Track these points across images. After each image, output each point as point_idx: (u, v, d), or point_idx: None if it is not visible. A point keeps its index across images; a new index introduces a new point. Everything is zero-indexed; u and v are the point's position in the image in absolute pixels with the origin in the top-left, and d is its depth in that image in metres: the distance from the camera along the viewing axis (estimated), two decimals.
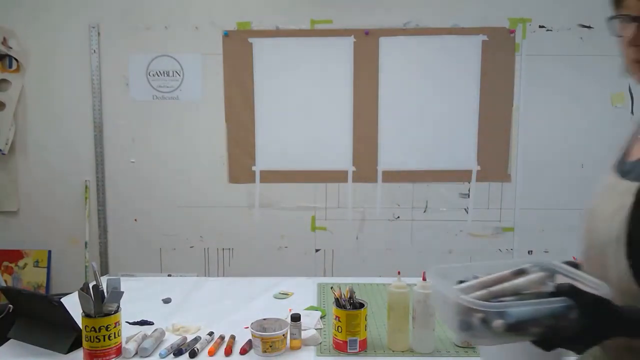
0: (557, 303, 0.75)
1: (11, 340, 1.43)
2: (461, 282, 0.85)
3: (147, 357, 1.33)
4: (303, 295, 1.81)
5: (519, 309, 0.75)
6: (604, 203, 0.88)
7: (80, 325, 1.28)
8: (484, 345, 0.79)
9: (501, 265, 0.88)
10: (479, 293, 0.80)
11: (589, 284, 0.80)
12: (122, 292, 1.30)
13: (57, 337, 1.37)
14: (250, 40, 2.80)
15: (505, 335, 0.75)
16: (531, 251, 2.89)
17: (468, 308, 0.76)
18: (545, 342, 0.74)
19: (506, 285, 0.83)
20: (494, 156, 2.87)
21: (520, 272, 0.86)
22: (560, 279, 0.86)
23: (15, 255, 2.95)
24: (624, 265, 0.78)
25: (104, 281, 1.31)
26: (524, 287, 0.83)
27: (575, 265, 0.94)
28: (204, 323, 1.54)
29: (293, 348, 1.38)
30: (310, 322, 1.52)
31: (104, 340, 1.26)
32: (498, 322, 0.74)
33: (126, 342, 1.34)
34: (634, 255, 0.78)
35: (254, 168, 2.88)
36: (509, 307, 0.75)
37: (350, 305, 1.36)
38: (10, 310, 1.51)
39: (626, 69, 0.86)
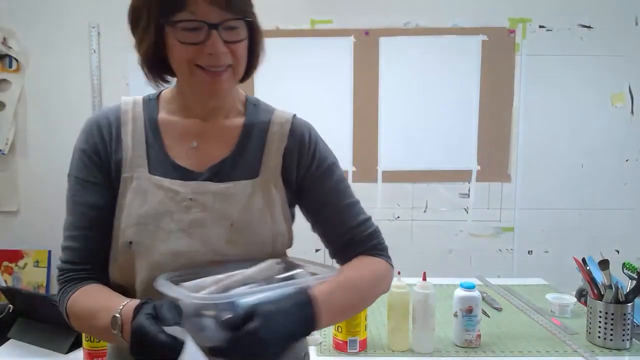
0: (288, 287, 0.72)
1: (11, 340, 1.43)
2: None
3: None
4: None
5: (251, 298, 0.69)
6: None
7: None
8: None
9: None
10: (210, 289, 0.73)
11: (320, 269, 0.83)
12: None
13: (57, 337, 1.37)
14: None
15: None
16: (531, 251, 2.89)
17: (195, 306, 0.68)
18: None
19: (236, 276, 0.76)
20: (494, 156, 2.87)
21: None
22: (294, 267, 0.85)
23: (15, 255, 2.95)
24: None
25: None
26: (255, 276, 0.78)
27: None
28: None
29: None
30: None
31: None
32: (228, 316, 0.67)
33: None
34: None
35: None
36: (240, 297, 0.69)
37: None
38: (10, 310, 1.51)
39: (183, 73, 0.83)
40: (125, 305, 0.74)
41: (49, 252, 2.95)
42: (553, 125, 2.86)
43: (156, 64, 0.86)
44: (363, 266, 0.92)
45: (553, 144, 2.87)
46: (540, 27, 2.81)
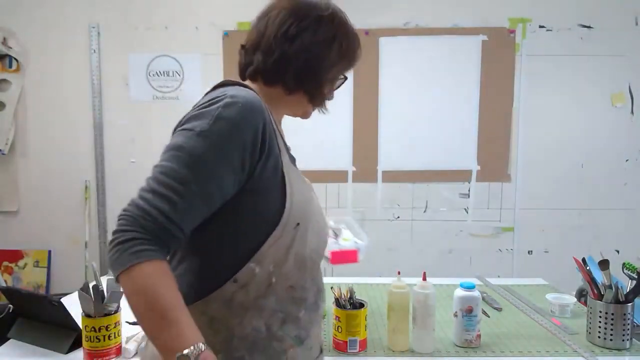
0: None
1: (11, 340, 1.43)
2: None
3: None
4: None
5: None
6: None
7: (80, 325, 1.28)
8: None
9: None
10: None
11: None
12: (122, 292, 1.30)
13: (57, 337, 1.37)
14: None
15: None
16: (531, 251, 2.89)
17: None
18: None
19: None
20: (494, 156, 2.87)
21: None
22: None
23: (15, 255, 2.95)
24: None
25: (104, 281, 1.31)
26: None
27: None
28: None
29: None
30: None
31: (104, 340, 1.26)
32: None
33: (126, 342, 1.34)
34: None
35: None
36: None
37: (350, 305, 1.36)
38: (10, 310, 1.51)
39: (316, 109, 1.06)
40: (203, 350, 0.72)
41: (49, 252, 2.95)
42: (553, 125, 2.86)
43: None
44: None
45: (553, 143, 2.87)
46: (540, 27, 2.81)
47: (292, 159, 0.98)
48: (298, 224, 0.90)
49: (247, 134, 0.82)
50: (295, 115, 1.06)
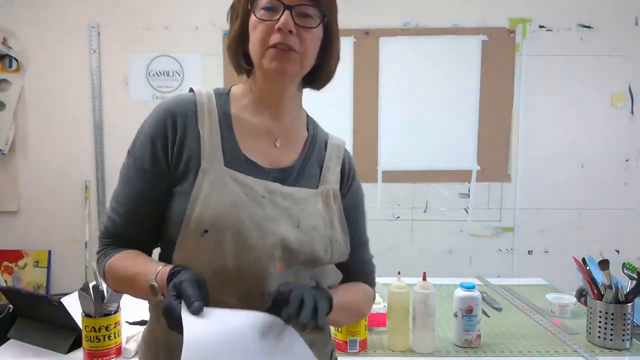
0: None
1: (11, 340, 1.43)
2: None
3: None
4: None
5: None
6: None
7: (80, 325, 1.28)
8: None
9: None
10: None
11: None
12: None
13: (57, 337, 1.37)
14: None
15: None
16: (531, 251, 2.89)
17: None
18: None
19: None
20: (494, 156, 2.87)
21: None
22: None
23: (15, 255, 2.95)
24: None
25: (103, 281, 1.31)
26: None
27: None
28: None
29: None
30: None
31: (104, 340, 1.26)
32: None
33: (126, 342, 1.34)
34: None
35: None
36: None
37: None
38: (10, 310, 1.51)
39: (258, 55, 0.87)
40: (159, 271, 0.80)
41: (49, 252, 2.95)
42: (553, 125, 2.86)
43: (238, 51, 0.92)
44: (365, 293, 1.04)
45: (553, 143, 2.87)
46: (540, 27, 2.81)
47: (242, 161, 0.88)
48: (206, 230, 0.82)
49: (153, 135, 0.89)
50: (265, 77, 0.90)
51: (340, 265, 1.01)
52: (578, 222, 2.90)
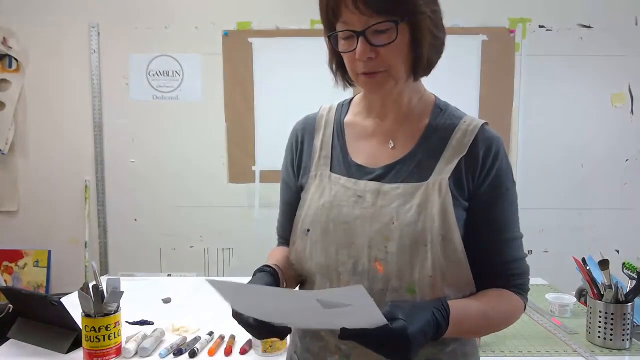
0: None
1: (11, 340, 1.43)
2: None
3: (147, 357, 1.33)
4: None
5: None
6: None
7: (80, 325, 1.28)
8: None
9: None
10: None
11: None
12: (122, 292, 1.30)
13: (57, 337, 1.37)
14: (250, 40, 2.80)
15: None
16: (531, 251, 2.89)
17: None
18: None
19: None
20: None
21: None
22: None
23: (15, 255, 2.95)
24: None
25: (104, 281, 1.31)
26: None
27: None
28: (204, 323, 1.54)
29: None
30: None
31: (104, 340, 1.26)
32: None
33: (126, 342, 1.34)
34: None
35: (254, 168, 2.88)
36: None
37: None
38: (10, 310, 1.51)
39: (354, 81, 0.91)
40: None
41: (49, 252, 2.95)
42: (553, 125, 2.86)
43: (339, 71, 0.95)
44: (504, 301, 0.90)
45: (553, 143, 2.87)
46: (540, 27, 2.81)
47: (348, 165, 0.93)
48: (308, 230, 0.92)
49: (286, 153, 1.05)
50: (366, 92, 0.96)
51: (478, 268, 0.88)
52: (578, 222, 2.90)
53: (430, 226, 0.84)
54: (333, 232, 0.89)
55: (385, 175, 0.90)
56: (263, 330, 0.78)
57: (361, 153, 0.94)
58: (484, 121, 0.95)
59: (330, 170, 0.94)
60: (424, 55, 0.87)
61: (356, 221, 0.88)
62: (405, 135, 0.93)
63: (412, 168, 0.89)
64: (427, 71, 0.93)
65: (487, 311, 0.86)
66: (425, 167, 0.89)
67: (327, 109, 1.03)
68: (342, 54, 0.88)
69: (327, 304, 0.68)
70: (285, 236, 1.04)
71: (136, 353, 1.33)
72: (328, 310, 0.68)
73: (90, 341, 1.26)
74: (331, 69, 0.96)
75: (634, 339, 1.40)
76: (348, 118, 0.99)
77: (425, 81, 1.00)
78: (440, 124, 0.93)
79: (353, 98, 1.03)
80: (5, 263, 2.95)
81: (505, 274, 0.91)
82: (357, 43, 0.82)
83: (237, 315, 0.79)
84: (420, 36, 0.85)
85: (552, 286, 1.97)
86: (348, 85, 0.96)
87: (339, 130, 0.98)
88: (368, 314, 0.69)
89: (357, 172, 0.92)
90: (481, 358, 1.33)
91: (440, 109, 0.97)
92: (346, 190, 0.90)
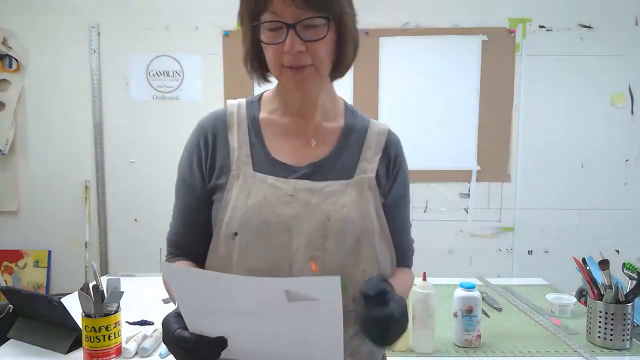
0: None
1: (11, 340, 1.43)
2: None
3: (147, 357, 1.33)
4: None
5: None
6: None
7: (80, 325, 1.28)
8: None
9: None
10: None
11: None
12: (122, 292, 1.30)
13: (57, 337, 1.37)
14: None
15: None
16: (531, 251, 2.89)
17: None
18: None
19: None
20: (494, 156, 2.87)
21: None
22: None
23: (15, 255, 2.95)
24: None
25: (104, 281, 1.31)
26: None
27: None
28: None
29: None
30: None
31: (104, 340, 1.26)
32: None
33: (126, 342, 1.34)
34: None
35: None
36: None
37: None
38: (10, 310, 1.51)
39: (276, 75, 0.89)
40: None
41: (49, 252, 2.95)
42: (553, 125, 2.86)
43: (256, 64, 0.92)
44: (407, 277, 1.03)
45: (553, 143, 2.87)
46: (540, 27, 2.81)
47: (271, 163, 0.91)
48: (235, 233, 0.85)
49: (190, 152, 0.96)
50: (288, 91, 0.94)
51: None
52: (578, 222, 2.90)
53: (367, 221, 0.89)
54: (267, 234, 0.85)
55: (312, 173, 0.90)
56: (199, 344, 0.72)
57: (283, 151, 0.92)
58: (387, 124, 1.02)
59: (253, 169, 0.89)
60: (348, 54, 0.90)
61: (292, 220, 0.86)
62: (325, 134, 0.94)
63: (337, 166, 0.92)
64: (345, 72, 0.94)
65: (405, 289, 0.98)
66: (348, 166, 0.93)
67: (236, 105, 0.96)
68: (265, 46, 0.85)
69: (293, 295, 0.66)
70: (185, 247, 0.95)
71: (136, 353, 1.33)
72: (290, 304, 0.66)
73: (90, 341, 1.26)
74: (246, 61, 0.92)
75: (634, 339, 1.40)
76: (263, 115, 0.95)
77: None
78: (355, 124, 0.97)
79: (262, 95, 1.00)
80: (5, 263, 2.95)
81: (406, 255, 1.04)
82: (287, 35, 0.81)
83: (167, 333, 0.75)
84: (345, 35, 0.87)
85: (552, 286, 1.97)
86: (264, 80, 0.95)
87: (255, 127, 0.94)
88: (327, 314, 0.67)
89: (282, 170, 0.89)
90: (481, 358, 1.33)
91: (351, 111, 1.01)
92: (276, 190, 0.87)
